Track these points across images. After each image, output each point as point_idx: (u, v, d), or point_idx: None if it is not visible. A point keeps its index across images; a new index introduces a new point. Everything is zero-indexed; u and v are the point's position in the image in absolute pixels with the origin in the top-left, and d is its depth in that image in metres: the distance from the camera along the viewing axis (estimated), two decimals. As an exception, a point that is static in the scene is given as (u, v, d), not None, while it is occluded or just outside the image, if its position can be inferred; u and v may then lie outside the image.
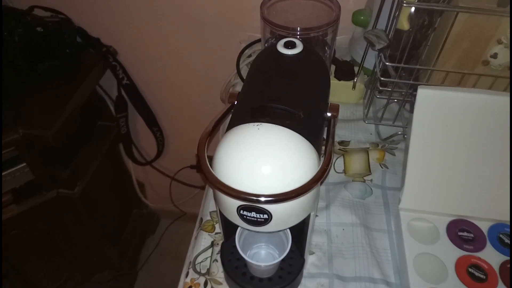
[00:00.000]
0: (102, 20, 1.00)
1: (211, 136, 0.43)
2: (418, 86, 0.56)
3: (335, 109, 0.48)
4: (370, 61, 0.72)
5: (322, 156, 0.41)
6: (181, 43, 1.01)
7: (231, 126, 0.42)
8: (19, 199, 0.97)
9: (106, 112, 1.16)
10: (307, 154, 0.39)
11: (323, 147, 0.46)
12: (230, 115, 0.47)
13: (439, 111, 0.56)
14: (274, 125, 0.39)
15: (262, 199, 0.35)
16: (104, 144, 1.14)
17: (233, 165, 0.38)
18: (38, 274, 1.16)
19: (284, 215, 0.40)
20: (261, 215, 0.39)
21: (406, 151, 0.59)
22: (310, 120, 0.43)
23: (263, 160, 0.37)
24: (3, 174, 0.92)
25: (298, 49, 0.48)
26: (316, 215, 0.60)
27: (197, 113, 1.18)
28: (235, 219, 0.41)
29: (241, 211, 0.39)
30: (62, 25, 0.95)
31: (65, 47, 0.97)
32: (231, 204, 0.39)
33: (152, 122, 1.18)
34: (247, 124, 0.40)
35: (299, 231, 0.48)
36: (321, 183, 0.41)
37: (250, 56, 0.88)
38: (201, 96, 1.13)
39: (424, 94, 0.56)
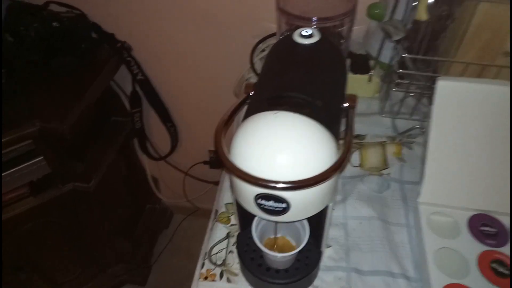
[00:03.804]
0: (116, 16, 1.00)
1: (228, 125, 0.43)
2: (438, 78, 0.54)
3: (353, 99, 0.47)
4: (386, 55, 0.71)
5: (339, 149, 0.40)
6: (195, 39, 1.01)
7: (248, 115, 0.42)
8: (35, 192, 0.98)
9: (121, 108, 1.17)
10: (326, 143, 0.38)
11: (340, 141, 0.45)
12: (246, 106, 0.46)
13: (459, 103, 0.55)
14: (292, 113, 0.39)
15: (280, 185, 0.35)
16: (119, 139, 1.15)
17: (251, 152, 0.38)
18: (53, 267, 1.17)
19: (303, 204, 0.39)
20: (279, 204, 0.38)
21: (425, 144, 0.58)
22: (328, 110, 0.42)
23: (282, 147, 0.37)
24: (20, 167, 0.94)
25: (315, 38, 0.47)
26: (333, 209, 0.59)
27: (210, 109, 1.18)
28: (253, 208, 0.41)
29: (259, 200, 0.39)
30: (77, 21, 0.96)
31: (80, 42, 0.98)
32: (249, 193, 0.39)
33: (166, 117, 1.19)
34: (265, 112, 0.40)
35: (317, 223, 0.48)
36: (341, 171, 0.41)
37: (263, 50, 0.87)
38: (214, 92, 1.13)
39: (444, 86, 0.54)
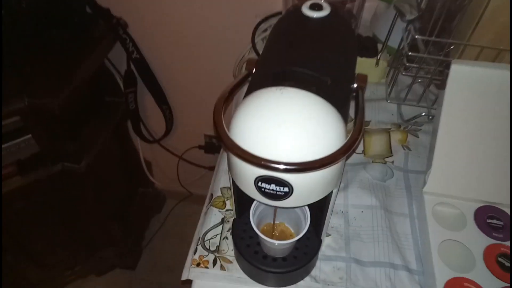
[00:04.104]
0: (112, -10, 0.96)
1: (228, 101, 0.40)
2: (452, 61, 0.51)
3: (363, 80, 0.43)
4: (394, 39, 0.68)
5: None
6: (193, 17, 0.97)
7: (250, 91, 0.39)
8: (23, 171, 0.95)
9: (115, 88, 1.12)
10: (334, 123, 0.35)
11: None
12: (248, 84, 0.43)
13: (473, 88, 0.52)
14: (298, 90, 0.36)
15: (283, 166, 0.32)
16: (112, 120, 1.11)
17: (253, 130, 0.34)
18: (41, 249, 1.14)
19: (306, 189, 0.36)
20: (281, 188, 0.36)
21: (434, 131, 0.55)
22: (338, 88, 0.39)
23: (286, 126, 0.34)
24: (8, 144, 0.90)
25: (325, 12, 0.43)
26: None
27: (208, 92, 1.14)
28: (252, 192, 0.38)
29: (260, 183, 0.36)
30: (71, -7, 0.92)
31: (73, 16, 0.93)
32: (249, 175, 0.36)
33: (161, 99, 1.15)
34: (269, 88, 0.37)
35: (318, 210, 0.45)
36: (350, 155, 0.38)
37: (266, 30, 0.84)
38: (212, 73, 1.09)
39: (458, 70, 0.51)
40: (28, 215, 1.04)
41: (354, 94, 0.43)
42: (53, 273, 1.23)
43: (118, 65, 1.08)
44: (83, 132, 1.03)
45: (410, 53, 0.58)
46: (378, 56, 0.68)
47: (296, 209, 0.46)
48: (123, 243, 1.33)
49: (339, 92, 0.39)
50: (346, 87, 0.42)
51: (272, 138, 0.34)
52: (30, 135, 0.92)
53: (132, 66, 1.06)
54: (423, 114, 0.66)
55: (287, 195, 0.36)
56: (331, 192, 0.41)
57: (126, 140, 1.27)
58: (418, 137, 0.64)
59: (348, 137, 0.35)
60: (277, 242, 0.43)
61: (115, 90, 1.12)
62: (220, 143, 0.34)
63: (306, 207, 0.45)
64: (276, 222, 0.49)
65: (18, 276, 1.17)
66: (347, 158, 0.59)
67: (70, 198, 1.07)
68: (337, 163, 0.35)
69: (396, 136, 0.64)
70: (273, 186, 0.36)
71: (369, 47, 0.69)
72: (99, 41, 0.95)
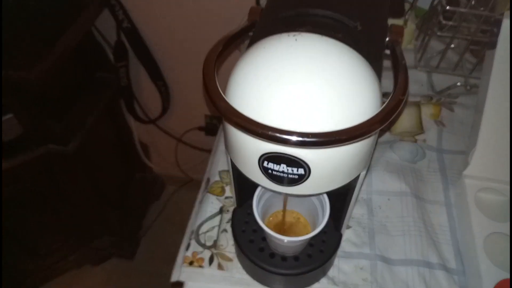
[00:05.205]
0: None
1: (221, 57, 0.30)
2: (505, 14, 0.41)
3: (399, 32, 0.34)
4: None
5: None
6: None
7: (255, 41, 0.29)
8: (7, 154, 0.87)
9: (106, 62, 1.03)
10: (368, 80, 0.26)
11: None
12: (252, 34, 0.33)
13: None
14: (319, 36, 0.26)
15: (298, 138, 0.22)
16: (103, 98, 1.01)
17: (256, 90, 0.25)
18: (31, 237, 1.08)
19: (327, 171, 0.27)
20: (294, 170, 0.27)
21: (478, 103, 0.45)
22: (370, 37, 0.29)
23: (302, 83, 0.24)
24: (-13, 124, 0.82)
25: None
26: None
27: (207, 66, 1.04)
28: (255, 175, 0.29)
29: (265, 163, 0.27)
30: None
31: (56, -21, 0.83)
32: (251, 152, 0.27)
33: (156, 74, 1.05)
34: (279, 35, 0.27)
35: (340, 197, 0.36)
36: (389, 126, 0.28)
37: (272, -9, 0.73)
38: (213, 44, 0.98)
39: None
40: (15, 201, 0.96)
41: (388, 50, 0.33)
42: (46, 263, 1.17)
43: (108, 36, 0.98)
44: (70, 111, 0.94)
45: (448, 7, 0.47)
46: (406, 16, 0.58)
47: (312, 196, 0.37)
48: (120, 231, 1.26)
49: (372, 42, 0.29)
50: (379, 38, 0.32)
51: (283, 100, 0.24)
52: (12, 115, 0.84)
53: (123, 37, 0.95)
54: (459, 84, 0.56)
55: (302, 178, 0.27)
56: (358, 175, 0.32)
57: (119, 120, 1.17)
58: (453, 111, 0.54)
59: (387, 101, 0.26)
60: (286, 239, 0.34)
61: (105, 65, 1.02)
62: (213, 108, 0.24)
63: (325, 194, 0.36)
64: (287, 209, 0.40)
65: (8, 265, 1.10)
66: (384, 131, 0.50)
67: (60, 182, 0.99)
68: (371, 135, 0.26)
69: (427, 110, 0.54)
70: (283, 167, 0.27)
71: (394, 5, 0.59)
72: (85, 6, 0.85)
